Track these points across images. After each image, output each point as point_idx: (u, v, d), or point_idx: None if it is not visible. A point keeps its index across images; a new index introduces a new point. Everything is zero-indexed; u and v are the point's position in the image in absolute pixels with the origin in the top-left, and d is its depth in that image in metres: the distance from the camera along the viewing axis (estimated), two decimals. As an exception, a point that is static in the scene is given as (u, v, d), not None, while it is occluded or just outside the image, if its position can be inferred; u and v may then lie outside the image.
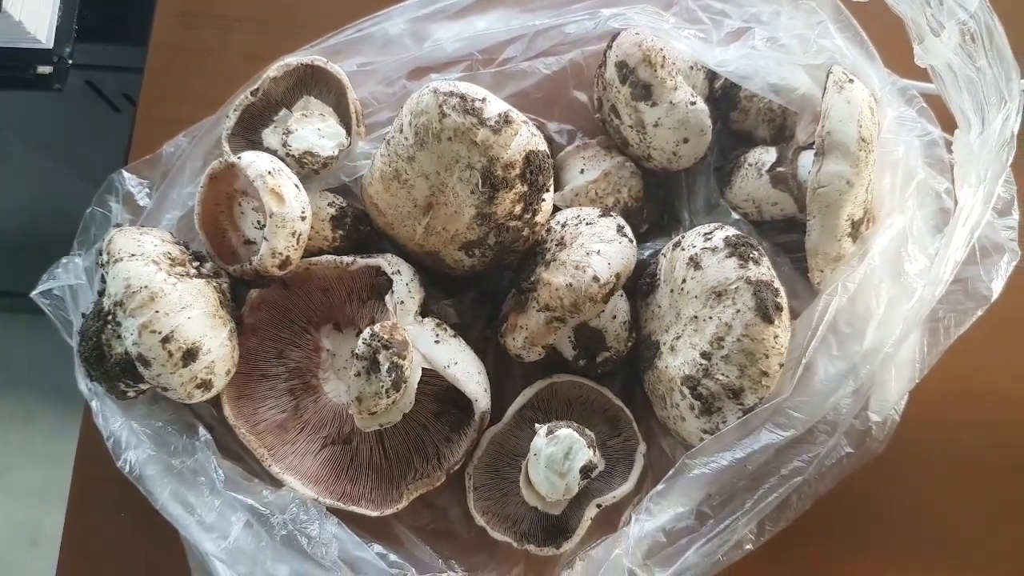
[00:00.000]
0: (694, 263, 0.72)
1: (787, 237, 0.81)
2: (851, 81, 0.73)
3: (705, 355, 0.70)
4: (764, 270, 0.70)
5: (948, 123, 0.75)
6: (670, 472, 0.70)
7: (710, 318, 0.71)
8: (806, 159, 0.77)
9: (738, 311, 0.69)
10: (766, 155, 0.81)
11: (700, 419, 0.71)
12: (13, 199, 1.57)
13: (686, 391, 0.71)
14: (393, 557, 0.74)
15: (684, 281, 0.73)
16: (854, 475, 0.72)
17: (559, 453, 0.71)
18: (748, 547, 0.70)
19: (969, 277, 0.71)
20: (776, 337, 0.69)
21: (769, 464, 0.69)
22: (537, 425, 0.73)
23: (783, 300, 0.70)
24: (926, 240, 0.73)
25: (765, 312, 0.68)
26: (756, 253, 0.71)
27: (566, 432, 0.71)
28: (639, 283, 0.80)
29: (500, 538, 0.75)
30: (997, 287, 0.71)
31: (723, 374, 0.69)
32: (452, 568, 0.76)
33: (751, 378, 0.69)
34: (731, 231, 0.73)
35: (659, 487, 0.70)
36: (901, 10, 0.73)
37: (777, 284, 0.70)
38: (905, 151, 0.75)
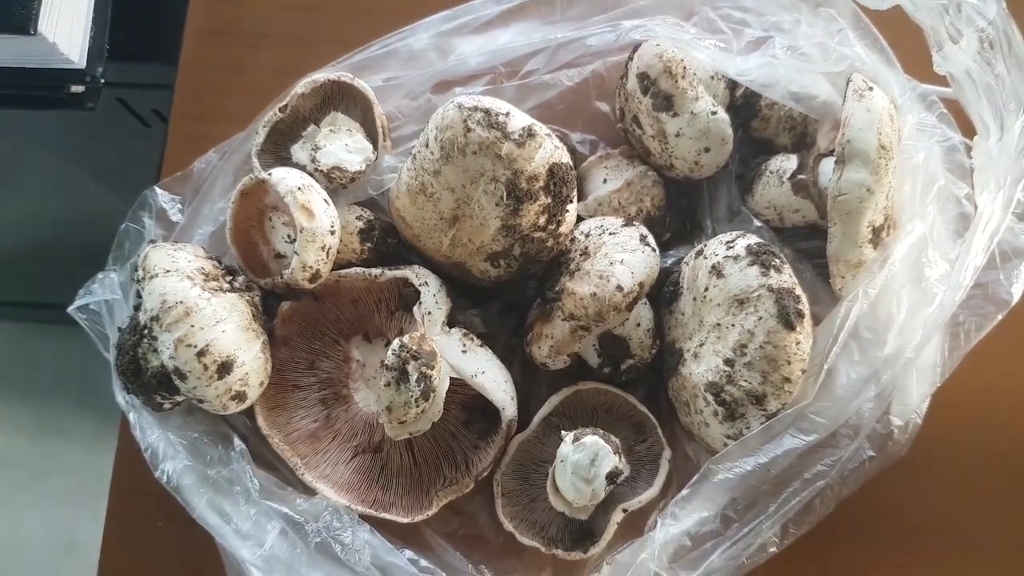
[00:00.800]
0: (716, 271, 0.73)
1: (808, 243, 0.82)
2: (871, 89, 0.74)
3: (728, 362, 0.71)
4: (786, 277, 0.71)
5: (968, 128, 0.76)
6: (695, 477, 0.71)
7: (733, 325, 0.71)
8: (827, 166, 0.78)
9: (760, 318, 0.70)
10: (787, 163, 0.82)
11: (724, 425, 0.72)
12: (47, 212, 1.60)
13: (710, 397, 0.72)
14: (424, 562, 0.75)
15: (707, 289, 0.74)
16: (877, 478, 0.73)
17: (585, 460, 0.72)
18: (772, 550, 0.71)
19: (989, 282, 0.72)
20: (798, 344, 0.70)
21: (792, 468, 0.70)
22: (563, 432, 0.74)
23: (805, 307, 0.71)
24: (947, 245, 0.74)
25: (787, 319, 0.69)
26: (778, 261, 0.72)
27: (592, 439, 0.72)
28: (662, 291, 0.81)
29: (528, 543, 0.76)
30: (1017, 291, 0.71)
31: (746, 380, 0.70)
32: (481, 573, 0.77)
33: (774, 384, 0.70)
34: (753, 239, 0.74)
35: (684, 492, 0.71)
36: (920, 18, 0.74)
37: (799, 291, 0.71)
38: (925, 157, 0.75)
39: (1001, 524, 0.82)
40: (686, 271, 0.79)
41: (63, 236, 1.68)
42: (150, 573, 0.83)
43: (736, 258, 0.73)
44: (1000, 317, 0.72)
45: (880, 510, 0.82)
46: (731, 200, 0.85)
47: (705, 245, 0.77)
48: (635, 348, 0.79)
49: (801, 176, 0.80)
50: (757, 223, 0.83)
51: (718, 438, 0.74)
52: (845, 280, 0.74)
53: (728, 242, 0.75)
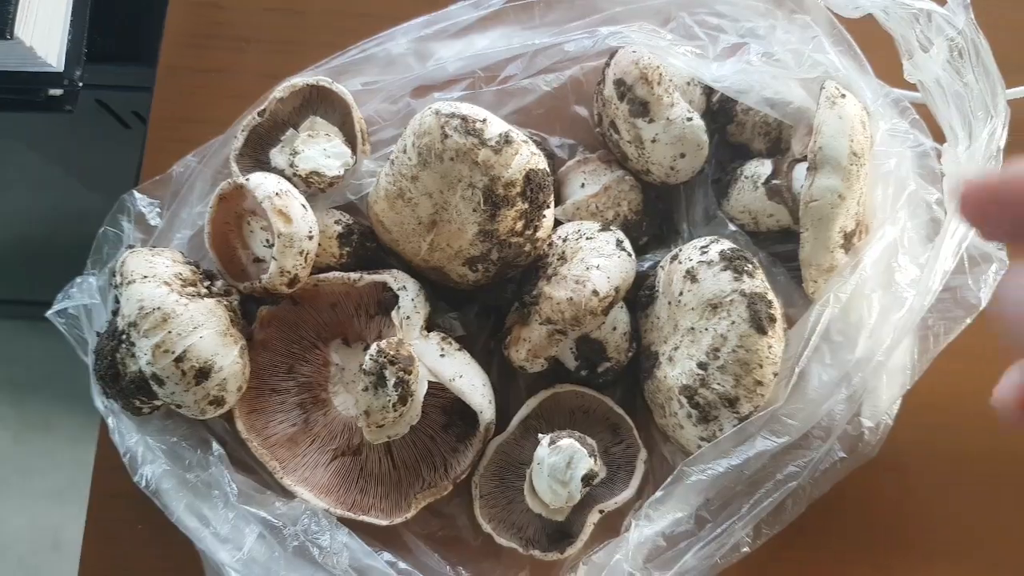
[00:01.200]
0: (691, 276, 0.74)
1: (783, 247, 0.83)
2: (843, 96, 0.75)
3: (702, 365, 0.72)
4: (758, 282, 0.72)
5: (939, 133, 0.77)
6: (668, 479, 0.72)
7: (706, 329, 0.72)
8: (800, 172, 0.79)
9: (733, 323, 0.71)
10: (762, 168, 0.83)
11: (698, 427, 0.73)
12: (30, 211, 1.60)
13: (684, 400, 0.73)
14: (403, 565, 0.75)
15: (681, 294, 0.75)
16: (848, 479, 0.74)
17: (561, 462, 0.73)
18: (745, 550, 0.72)
19: (958, 286, 0.73)
20: (770, 347, 0.71)
21: (765, 469, 0.71)
22: (540, 435, 0.75)
23: (777, 311, 0.72)
24: (917, 250, 0.75)
25: (759, 323, 0.70)
26: (751, 266, 0.73)
27: (568, 442, 0.73)
28: (639, 295, 0.82)
29: (506, 544, 0.77)
30: (985, 296, 0.73)
31: (719, 384, 0.71)
32: (459, 574, 0.78)
33: (746, 387, 0.71)
34: (727, 244, 0.75)
35: (658, 493, 0.72)
36: (891, 27, 0.75)
37: (771, 296, 0.72)
38: (897, 163, 0.76)
39: (971, 522, 0.83)
40: (661, 276, 0.79)
41: (46, 234, 1.69)
42: (131, 574, 0.83)
43: (710, 263, 0.73)
44: (969, 321, 0.73)
45: (851, 510, 0.83)
46: (707, 204, 0.86)
47: (680, 250, 0.78)
48: (612, 351, 0.79)
49: (775, 181, 0.81)
50: (732, 227, 0.83)
51: (692, 440, 0.74)
52: (817, 284, 0.75)
53: (702, 247, 0.75)
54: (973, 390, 0.86)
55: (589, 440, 0.74)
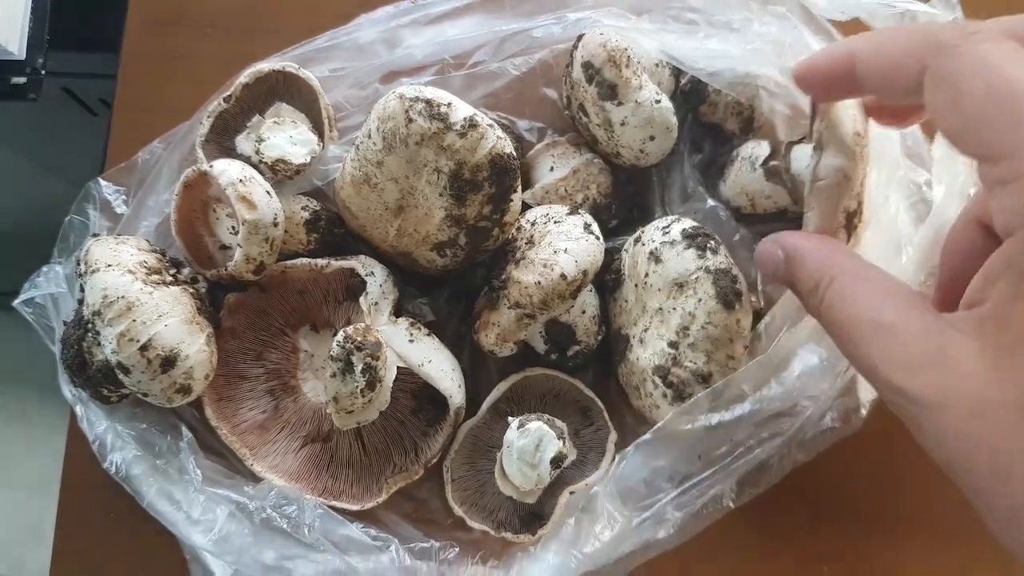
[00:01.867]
0: (655, 257, 0.74)
1: (772, 227, 0.82)
2: None
3: (672, 344, 0.72)
4: (722, 259, 0.72)
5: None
6: (656, 425, 0.72)
7: (674, 309, 0.73)
8: (799, 153, 0.79)
9: (700, 300, 0.71)
10: (759, 149, 0.83)
11: (673, 405, 0.73)
12: (2, 200, 1.59)
13: (658, 380, 0.74)
14: (375, 532, 0.76)
15: (647, 275, 0.75)
16: (834, 447, 0.74)
17: (530, 445, 0.73)
18: (728, 503, 0.73)
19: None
20: (739, 322, 0.71)
21: (750, 431, 0.72)
22: (509, 419, 0.75)
23: (742, 286, 0.72)
24: (909, 231, 0.76)
25: (726, 299, 0.71)
26: (713, 243, 0.73)
27: (536, 425, 0.73)
28: (605, 279, 0.82)
29: (478, 527, 0.77)
30: None
31: (691, 361, 0.72)
32: (432, 543, 0.78)
33: (718, 363, 0.71)
34: (687, 223, 0.75)
35: (646, 436, 0.72)
36: (876, 26, 0.75)
37: (736, 271, 0.72)
38: (887, 145, 0.77)
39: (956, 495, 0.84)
40: (626, 259, 0.79)
41: (19, 222, 1.67)
42: (105, 561, 0.83)
43: (672, 243, 0.74)
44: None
45: (836, 479, 0.84)
46: (683, 182, 0.86)
47: (642, 232, 0.78)
48: (581, 335, 0.80)
49: (774, 163, 0.81)
50: (711, 202, 0.84)
51: None
52: None
53: (664, 228, 0.76)
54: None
55: (558, 423, 0.75)
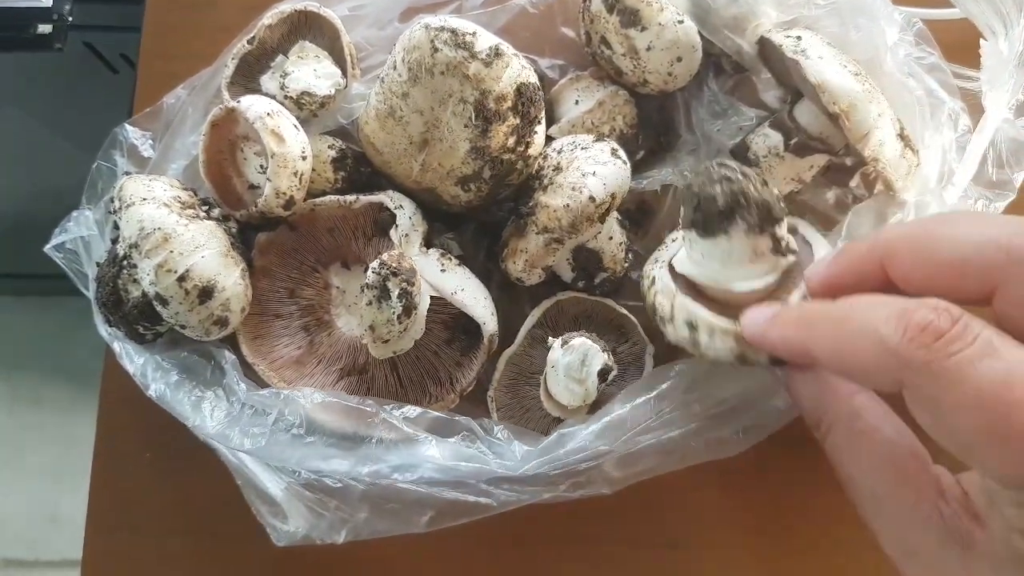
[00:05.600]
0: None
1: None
2: (799, 38, 0.76)
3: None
4: None
5: (947, 45, 0.80)
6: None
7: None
8: (802, 110, 0.79)
9: None
10: (769, 140, 0.81)
11: None
12: (12, 182, 1.58)
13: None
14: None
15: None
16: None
17: (576, 361, 0.73)
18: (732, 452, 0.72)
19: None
20: None
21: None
22: (551, 339, 0.75)
23: None
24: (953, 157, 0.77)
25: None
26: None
27: (580, 340, 0.73)
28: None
29: None
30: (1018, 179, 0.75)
31: None
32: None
33: None
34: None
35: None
36: None
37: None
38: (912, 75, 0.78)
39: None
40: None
41: (28, 204, 1.67)
42: (139, 506, 0.84)
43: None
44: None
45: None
46: (712, 101, 0.86)
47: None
48: (608, 261, 0.80)
49: (795, 140, 0.80)
50: (750, 112, 0.85)
51: None
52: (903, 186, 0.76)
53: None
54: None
55: (599, 339, 0.75)
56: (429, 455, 0.71)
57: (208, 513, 0.82)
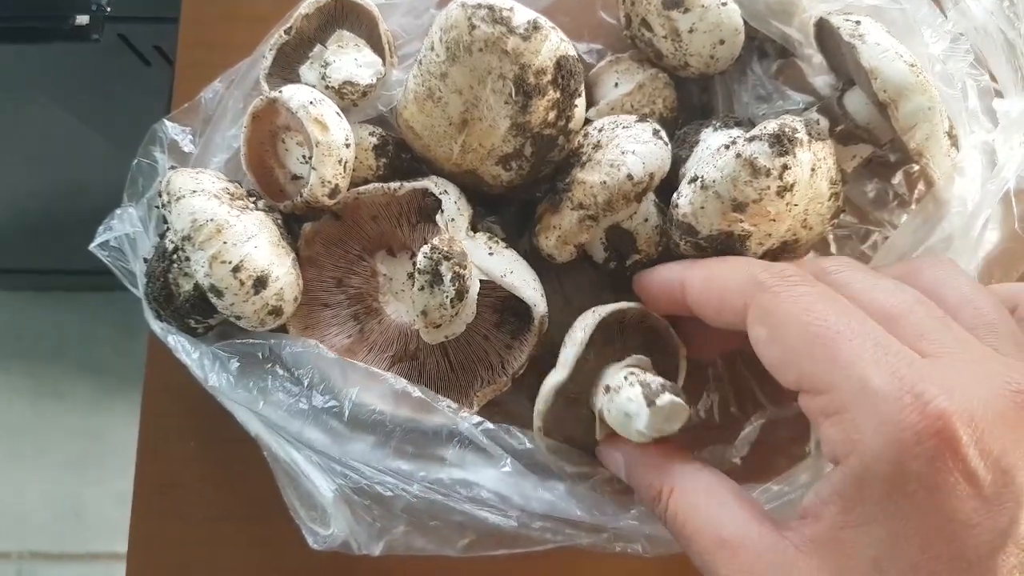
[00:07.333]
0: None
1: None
2: (858, 23, 0.75)
3: None
4: None
5: None
6: None
7: None
8: (852, 100, 0.78)
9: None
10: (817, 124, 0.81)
11: None
12: (42, 177, 1.58)
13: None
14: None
15: None
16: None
17: (661, 419, 0.65)
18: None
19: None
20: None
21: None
22: (628, 392, 0.67)
23: None
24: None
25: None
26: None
27: (669, 400, 0.64)
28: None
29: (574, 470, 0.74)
30: None
31: None
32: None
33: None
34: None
35: None
36: None
37: None
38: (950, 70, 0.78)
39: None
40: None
41: (51, 201, 1.67)
42: (187, 492, 0.85)
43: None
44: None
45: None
46: (757, 82, 0.86)
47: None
48: (642, 244, 0.80)
49: (840, 128, 0.80)
50: (796, 97, 0.84)
51: None
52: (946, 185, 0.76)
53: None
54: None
55: (678, 388, 0.67)
56: (544, 498, 0.72)
57: (257, 501, 0.82)
